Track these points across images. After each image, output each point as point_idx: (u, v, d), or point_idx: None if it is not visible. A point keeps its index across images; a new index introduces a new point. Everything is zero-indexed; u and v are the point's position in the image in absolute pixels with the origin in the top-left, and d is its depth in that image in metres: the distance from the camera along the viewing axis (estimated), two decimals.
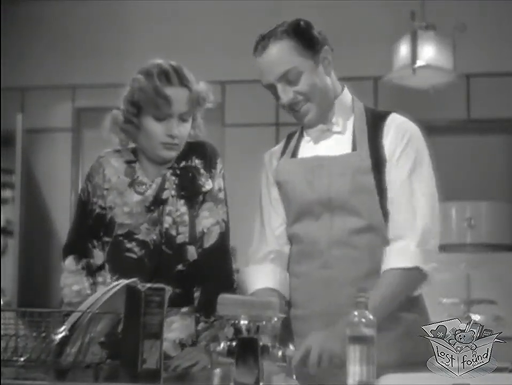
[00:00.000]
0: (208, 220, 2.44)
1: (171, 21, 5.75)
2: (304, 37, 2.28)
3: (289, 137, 2.47)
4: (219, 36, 5.67)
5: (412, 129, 2.32)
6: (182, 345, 2.32)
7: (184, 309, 2.38)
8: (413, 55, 4.68)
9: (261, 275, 2.35)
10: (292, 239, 2.38)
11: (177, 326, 2.34)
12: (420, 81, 4.83)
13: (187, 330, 2.36)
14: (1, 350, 1.90)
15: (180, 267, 2.40)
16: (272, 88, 2.30)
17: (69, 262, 2.48)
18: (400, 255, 2.20)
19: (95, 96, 5.70)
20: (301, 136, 2.42)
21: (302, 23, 2.30)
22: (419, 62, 4.69)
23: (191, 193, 2.45)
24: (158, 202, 2.44)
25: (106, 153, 2.55)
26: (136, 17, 5.81)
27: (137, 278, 1.93)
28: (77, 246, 2.49)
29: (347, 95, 2.38)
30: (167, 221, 2.41)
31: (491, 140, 5.66)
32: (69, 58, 5.82)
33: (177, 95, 2.40)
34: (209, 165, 2.48)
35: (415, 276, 2.21)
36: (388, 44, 4.89)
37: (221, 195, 2.48)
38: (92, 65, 5.78)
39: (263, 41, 2.28)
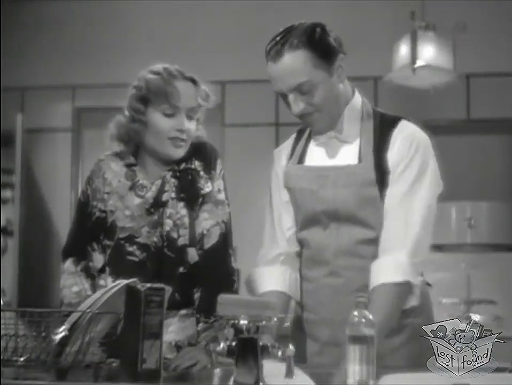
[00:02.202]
0: (207, 221, 2.43)
1: (171, 21, 5.76)
2: (320, 47, 2.20)
3: (299, 134, 2.42)
4: (220, 36, 5.67)
5: (420, 139, 2.27)
6: (178, 347, 2.32)
7: (183, 311, 2.38)
8: (413, 55, 4.68)
9: (270, 277, 2.34)
10: (301, 243, 2.37)
11: (174, 329, 2.33)
12: (420, 81, 4.83)
13: (184, 332, 2.35)
14: (1, 350, 1.89)
15: (181, 269, 2.40)
16: (283, 96, 2.26)
17: (68, 264, 2.48)
18: (390, 269, 2.17)
19: (95, 96, 5.70)
20: (309, 138, 2.39)
21: (318, 30, 2.22)
22: (419, 62, 4.69)
23: (190, 196, 2.44)
24: (158, 204, 2.43)
25: (105, 156, 2.53)
26: (136, 17, 5.81)
27: (143, 280, 1.92)
28: (76, 249, 2.49)
29: (357, 100, 2.33)
30: (168, 223, 2.41)
31: (491, 140, 5.66)
32: (69, 58, 5.83)
33: (184, 88, 2.40)
34: (209, 166, 2.47)
35: (406, 289, 2.19)
36: (388, 44, 4.89)
37: (221, 196, 2.47)
38: (92, 65, 5.78)
39: (276, 47, 2.20)
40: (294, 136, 2.45)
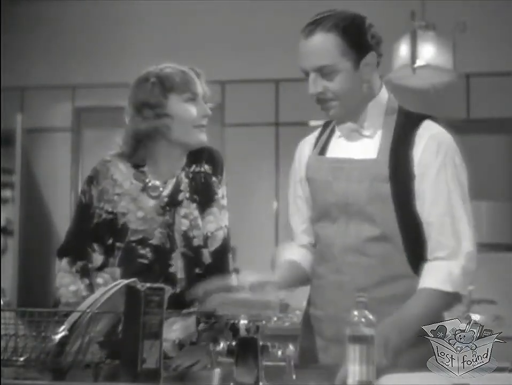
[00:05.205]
0: (212, 224, 2.46)
1: (171, 21, 5.75)
2: (353, 37, 2.21)
3: (325, 127, 2.42)
4: (220, 36, 5.67)
5: (448, 141, 2.25)
6: (181, 345, 2.33)
7: (185, 310, 2.38)
8: (413, 55, 4.68)
9: (288, 251, 2.43)
10: (315, 238, 2.38)
11: (177, 327, 2.34)
12: (420, 81, 4.82)
13: (187, 331, 2.36)
14: (1, 350, 1.89)
15: (197, 270, 2.41)
16: (305, 74, 2.25)
17: (64, 264, 2.48)
18: (442, 277, 2.14)
19: (95, 96, 5.70)
20: (333, 130, 2.38)
21: (356, 21, 2.24)
22: (419, 62, 4.68)
23: (205, 198, 2.46)
24: (173, 203, 2.44)
25: (112, 157, 2.52)
26: (136, 18, 5.81)
27: (150, 282, 1.91)
28: (74, 249, 2.48)
29: (383, 96, 2.31)
30: (184, 223, 2.42)
31: (491, 140, 5.66)
32: (69, 58, 5.83)
33: (195, 78, 2.47)
34: (217, 172, 2.51)
35: (453, 299, 2.17)
36: (388, 44, 4.87)
37: (224, 202, 2.51)
38: (92, 65, 5.78)
39: (312, 26, 2.21)
40: (320, 128, 2.45)
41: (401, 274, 2.22)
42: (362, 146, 2.29)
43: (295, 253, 2.42)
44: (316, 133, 2.44)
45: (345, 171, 2.26)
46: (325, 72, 2.21)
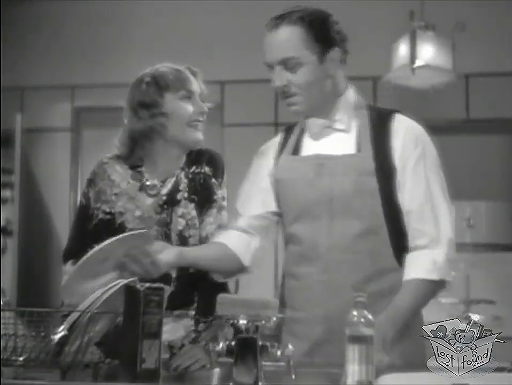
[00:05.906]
0: (211, 225, 2.47)
1: (171, 20, 5.75)
2: (318, 31, 2.23)
3: (288, 131, 2.42)
4: (219, 36, 5.67)
5: (423, 133, 2.30)
6: (171, 347, 2.33)
7: (177, 312, 2.38)
8: (413, 55, 4.68)
9: (222, 235, 2.39)
10: (289, 239, 2.35)
11: (168, 329, 2.34)
12: (419, 81, 4.82)
13: (177, 333, 2.36)
14: (1, 350, 1.89)
15: (192, 269, 2.41)
16: (270, 68, 2.27)
17: (68, 266, 2.49)
18: (427, 266, 2.18)
19: (94, 96, 5.70)
20: (302, 131, 2.38)
21: (322, 16, 2.26)
22: (418, 62, 4.68)
23: (203, 199, 2.46)
24: (171, 202, 2.45)
25: (108, 159, 2.54)
26: (135, 17, 5.80)
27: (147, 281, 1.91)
28: (76, 251, 2.49)
29: (350, 94, 2.33)
30: (180, 223, 2.43)
31: (490, 140, 5.66)
32: (68, 58, 5.82)
33: (191, 77, 2.49)
34: (217, 174, 2.51)
35: (439, 287, 2.21)
36: (387, 44, 4.88)
37: (223, 203, 2.51)
38: (92, 65, 5.78)
39: (277, 20, 2.23)
40: (281, 133, 2.46)
41: (389, 268, 2.24)
42: (338, 141, 2.30)
43: (227, 236, 2.38)
44: (278, 138, 2.44)
45: (328, 167, 2.25)
46: (289, 65, 2.23)
